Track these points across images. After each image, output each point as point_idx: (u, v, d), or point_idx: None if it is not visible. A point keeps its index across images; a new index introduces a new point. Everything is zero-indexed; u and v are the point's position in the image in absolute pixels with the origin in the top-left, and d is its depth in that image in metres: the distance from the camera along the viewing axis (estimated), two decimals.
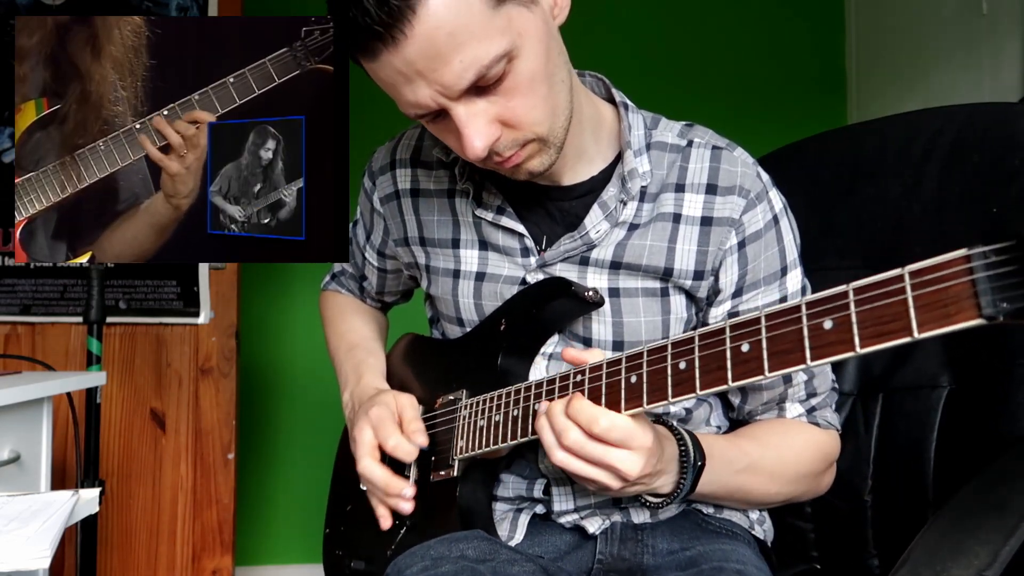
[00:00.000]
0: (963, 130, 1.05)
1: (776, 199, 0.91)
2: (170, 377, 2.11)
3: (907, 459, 1.02)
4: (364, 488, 0.95)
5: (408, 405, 0.92)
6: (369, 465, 0.90)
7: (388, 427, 0.89)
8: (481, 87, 0.73)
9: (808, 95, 2.66)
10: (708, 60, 2.65)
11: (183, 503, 2.09)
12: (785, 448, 0.90)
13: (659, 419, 0.82)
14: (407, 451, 0.88)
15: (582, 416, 0.72)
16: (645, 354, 0.71)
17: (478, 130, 0.74)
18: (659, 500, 0.80)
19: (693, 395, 0.66)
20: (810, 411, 0.93)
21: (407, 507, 0.90)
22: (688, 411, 0.93)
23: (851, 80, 2.68)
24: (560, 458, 0.74)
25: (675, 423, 0.82)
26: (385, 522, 0.93)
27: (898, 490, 1.03)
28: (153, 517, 2.09)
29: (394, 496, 0.90)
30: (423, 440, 0.89)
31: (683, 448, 0.79)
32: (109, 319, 1.70)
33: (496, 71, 0.71)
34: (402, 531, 0.93)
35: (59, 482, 1.85)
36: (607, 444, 0.71)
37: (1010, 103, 1.17)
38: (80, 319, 1.75)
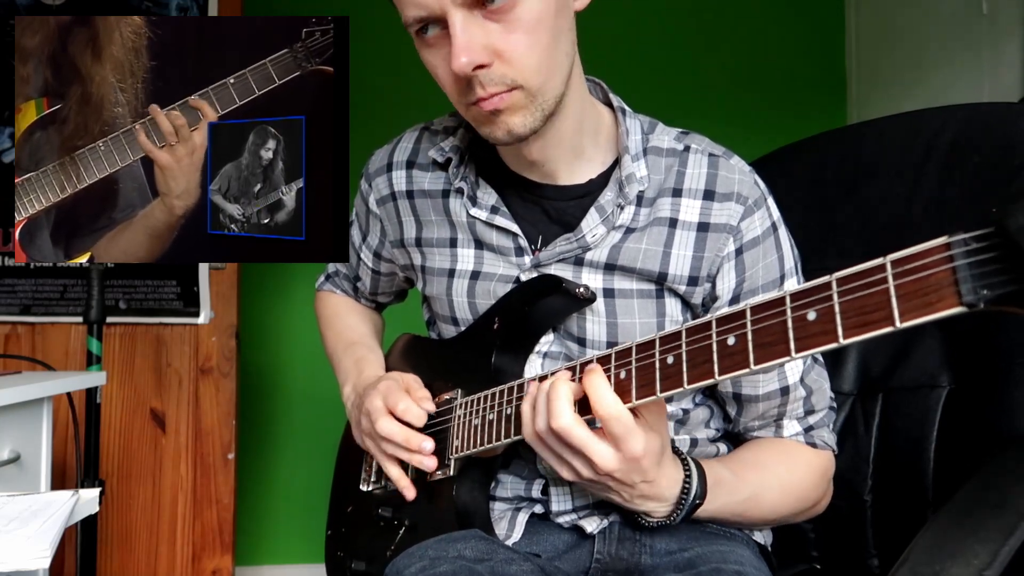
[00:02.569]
0: (963, 130, 1.05)
1: (773, 207, 0.91)
2: (170, 377, 2.11)
3: (907, 459, 1.02)
4: (378, 464, 0.94)
5: (414, 380, 0.93)
6: (387, 423, 0.89)
7: (397, 394, 0.90)
8: (485, 6, 0.73)
9: (808, 95, 2.66)
10: (708, 60, 2.65)
11: (183, 503, 2.09)
12: (787, 477, 0.89)
13: (675, 449, 0.81)
14: (416, 414, 0.88)
15: (594, 392, 0.71)
16: (634, 350, 0.71)
17: (468, 44, 0.73)
18: (653, 521, 0.81)
19: (680, 389, 0.66)
20: (807, 430, 0.92)
21: (431, 463, 0.88)
22: (685, 412, 0.93)
23: (851, 80, 2.68)
24: (546, 439, 0.74)
25: (688, 457, 0.81)
26: (409, 493, 0.91)
27: (898, 490, 1.03)
28: (153, 517, 2.09)
29: (416, 451, 0.88)
30: (431, 407, 0.89)
31: (687, 484, 0.78)
32: (109, 319, 1.71)
33: None
34: (401, 531, 0.93)
35: (59, 482, 1.85)
36: (601, 433, 0.71)
37: (1010, 103, 1.17)
38: (80, 319, 1.75)
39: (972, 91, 2.04)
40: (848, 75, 2.69)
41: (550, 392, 0.73)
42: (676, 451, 0.81)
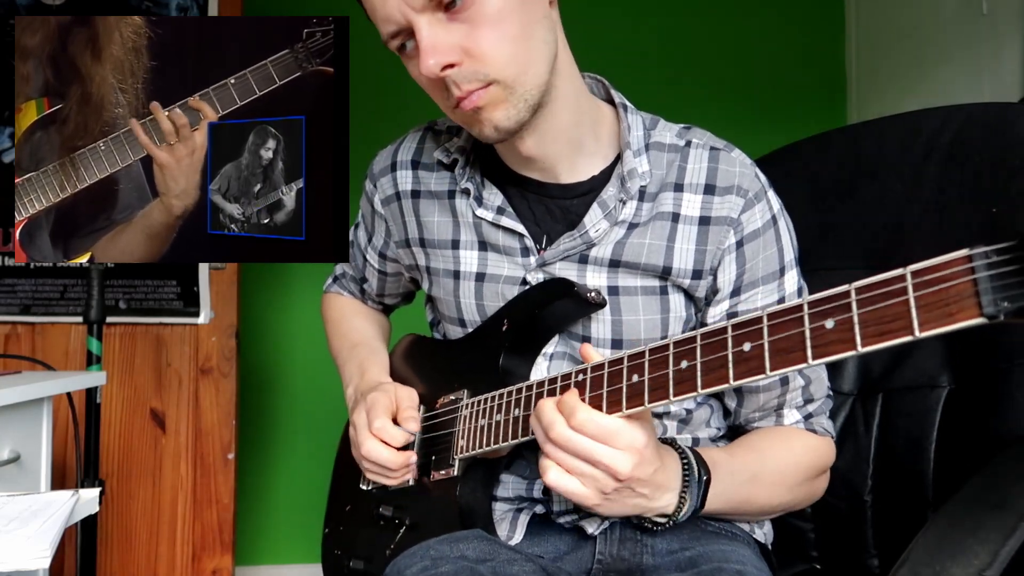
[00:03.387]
0: (963, 130, 1.05)
1: (774, 200, 0.91)
2: (170, 377, 2.11)
3: (907, 459, 1.02)
4: (365, 469, 0.95)
5: (406, 396, 0.93)
6: (373, 446, 0.90)
7: (378, 409, 0.90)
8: (447, 9, 0.75)
9: (808, 95, 2.66)
10: (708, 60, 2.65)
11: (183, 503, 2.09)
12: (786, 457, 0.90)
13: (662, 438, 0.82)
14: (392, 435, 0.89)
15: (564, 408, 0.72)
16: (647, 354, 0.71)
17: (435, 46, 0.75)
18: (665, 520, 0.79)
19: (695, 394, 0.66)
20: (807, 417, 0.93)
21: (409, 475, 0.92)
22: (688, 412, 0.93)
23: (851, 80, 2.68)
24: (548, 451, 0.74)
25: (678, 440, 0.81)
26: (408, 473, 0.92)
27: (898, 490, 1.04)
28: (153, 517, 2.09)
29: (400, 469, 0.91)
30: (414, 427, 0.90)
31: (686, 463, 0.78)
32: (109, 319, 1.70)
33: None
34: (402, 530, 0.93)
35: (59, 482, 1.85)
36: (589, 438, 0.71)
37: (1010, 103, 1.17)
38: (80, 319, 1.75)
39: (972, 91, 2.04)
40: (848, 75, 2.69)
41: (561, 403, 0.73)
42: (665, 440, 0.81)
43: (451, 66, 0.76)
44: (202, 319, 2.07)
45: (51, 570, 1.84)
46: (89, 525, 1.54)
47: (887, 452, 1.05)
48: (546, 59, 0.81)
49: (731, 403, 0.94)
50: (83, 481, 1.51)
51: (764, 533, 0.98)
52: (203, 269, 2.05)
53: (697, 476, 0.78)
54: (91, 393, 1.52)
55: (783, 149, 1.29)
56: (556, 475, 0.73)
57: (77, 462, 1.53)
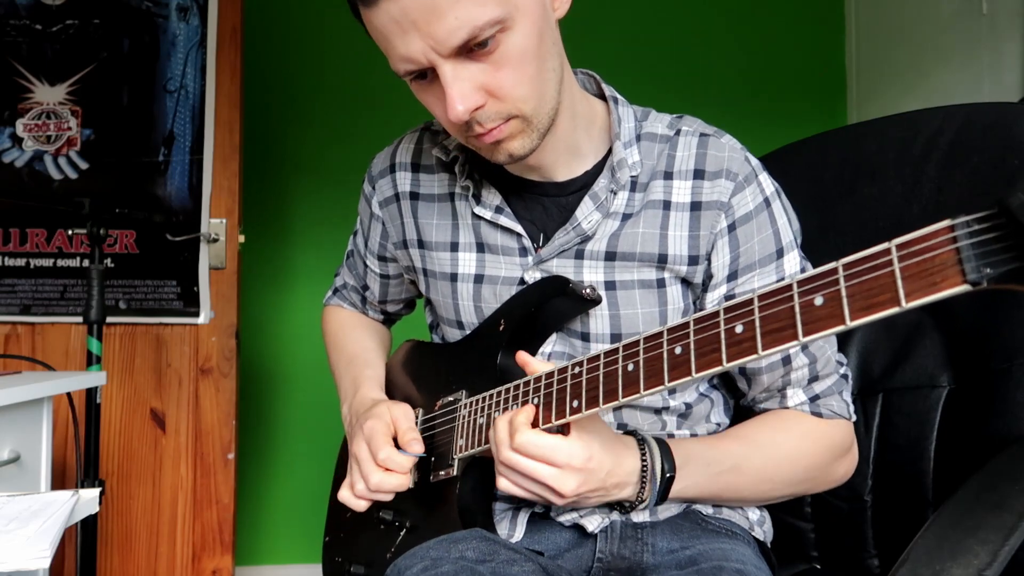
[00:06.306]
0: (963, 130, 1.05)
1: (767, 182, 0.90)
2: (170, 377, 2.11)
3: (907, 459, 1.02)
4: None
5: (402, 416, 0.91)
6: (383, 479, 0.87)
7: (379, 439, 0.88)
8: (471, 51, 0.74)
9: (808, 95, 2.66)
10: (708, 60, 2.65)
11: (183, 503, 2.10)
12: (778, 446, 0.89)
13: (630, 431, 0.84)
14: (399, 463, 0.87)
15: (511, 426, 0.76)
16: (642, 342, 0.71)
17: (462, 92, 0.75)
18: (630, 505, 0.83)
19: (689, 378, 0.66)
20: (813, 399, 0.91)
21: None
22: (688, 406, 0.93)
23: (851, 80, 2.68)
24: (499, 470, 0.78)
25: (644, 434, 0.83)
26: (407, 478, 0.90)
27: (898, 490, 1.04)
28: (153, 517, 2.09)
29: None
30: (419, 448, 0.88)
31: (644, 463, 0.80)
32: (109, 319, 1.71)
33: (488, 34, 0.73)
34: (402, 533, 0.93)
35: (59, 482, 1.85)
36: (530, 459, 0.75)
37: (1010, 103, 1.17)
38: (80, 319, 1.75)
39: (972, 91, 2.05)
40: (848, 75, 2.70)
41: (511, 420, 0.77)
42: (631, 432, 0.83)
43: (477, 108, 0.77)
44: (202, 319, 2.07)
45: (51, 570, 1.84)
46: (89, 525, 1.54)
47: (887, 452, 1.05)
48: (555, 86, 0.82)
49: (742, 386, 0.94)
50: (83, 481, 1.51)
51: (764, 531, 0.98)
52: (203, 269, 2.05)
53: (660, 473, 0.80)
54: (91, 393, 1.52)
55: (783, 149, 1.29)
56: (506, 485, 0.79)
57: (77, 462, 1.53)
